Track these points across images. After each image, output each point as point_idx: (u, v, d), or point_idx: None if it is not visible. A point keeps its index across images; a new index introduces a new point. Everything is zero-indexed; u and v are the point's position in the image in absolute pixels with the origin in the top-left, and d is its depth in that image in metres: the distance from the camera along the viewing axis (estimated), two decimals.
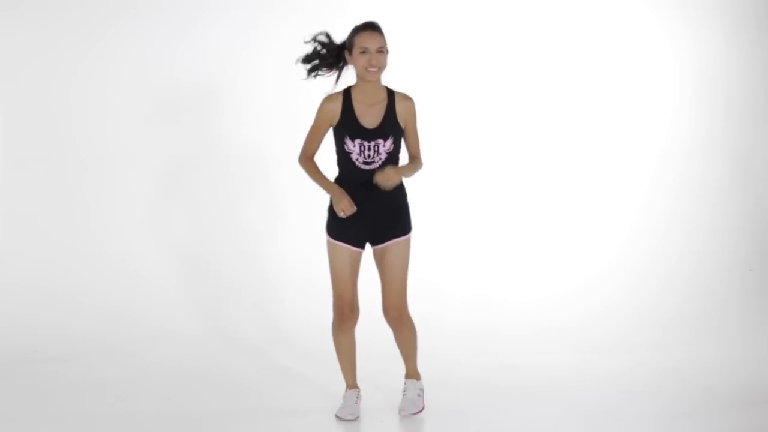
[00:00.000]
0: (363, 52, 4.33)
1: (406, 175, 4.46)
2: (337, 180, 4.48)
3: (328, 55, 4.47)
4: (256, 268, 6.33)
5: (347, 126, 4.39)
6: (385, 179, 4.31)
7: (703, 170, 6.60)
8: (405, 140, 4.52)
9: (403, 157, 4.54)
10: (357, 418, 4.54)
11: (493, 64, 6.48)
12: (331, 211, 4.48)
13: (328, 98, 4.44)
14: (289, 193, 6.28)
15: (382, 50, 4.35)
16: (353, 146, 4.39)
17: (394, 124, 4.41)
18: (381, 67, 4.37)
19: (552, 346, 5.83)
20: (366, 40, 4.33)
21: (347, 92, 4.44)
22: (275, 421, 4.56)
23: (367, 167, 4.39)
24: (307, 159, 4.51)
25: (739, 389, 5.04)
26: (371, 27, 4.37)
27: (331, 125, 4.45)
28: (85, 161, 6.40)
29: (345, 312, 4.52)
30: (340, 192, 4.39)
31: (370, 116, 4.40)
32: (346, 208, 4.36)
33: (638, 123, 6.58)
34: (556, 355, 5.67)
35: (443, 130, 6.24)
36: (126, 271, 6.27)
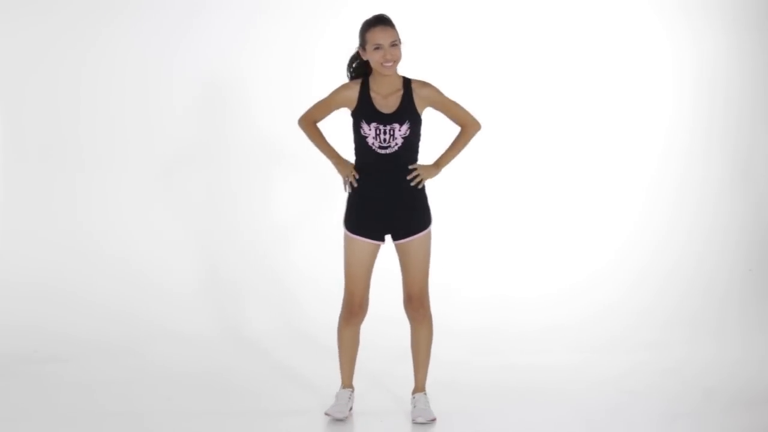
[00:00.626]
0: (377, 48, 4.34)
1: (448, 161, 4.59)
2: (361, 168, 4.50)
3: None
4: (260, 266, 6.34)
5: (363, 110, 4.43)
6: (417, 178, 4.47)
7: (704, 170, 6.57)
8: (449, 117, 4.58)
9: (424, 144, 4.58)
10: (346, 417, 4.55)
11: (492, 62, 6.48)
12: (349, 203, 4.52)
13: (346, 86, 4.50)
14: (296, 191, 6.30)
15: (396, 43, 4.35)
16: (369, 130, 4.42)
17: (411, 110, 4.43)
18: (396, 61, 4.38)
19: (553, 345, 5.83)
20: (378, 36, 4.34)
21: (365, 82, 4.47)
22: (276, 422, 4.58)
23: (383, 152, 4.41)
24: (309, 122, 4.58)
25: (739, 389, 5.04)
26: (382, 21, 4.37)
27: (343, 106, 4.50)
28: (86, 158, 6.41)
29: (354, 309, 4.55)
30: (344, 161, 4.51)
31: (386, 105, 4.43)
32: (350, 175, 4.46)
33: (638, 123, 6.56)
34: (557, 355, 5.67)
35: (446, 131, 6.23)
36: (127, 271, 6.28)
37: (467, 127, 4.59)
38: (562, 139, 6.54)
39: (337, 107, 4.53)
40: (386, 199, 4.45)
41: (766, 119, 6.61)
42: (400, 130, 4.40)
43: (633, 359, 5.54)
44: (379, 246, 4.53)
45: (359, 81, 4.48)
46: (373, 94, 4.44)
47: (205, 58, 6.35)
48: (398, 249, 4.54)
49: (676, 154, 6.57)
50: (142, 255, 6.33)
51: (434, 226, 6.09)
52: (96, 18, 6.39)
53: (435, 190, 6.12)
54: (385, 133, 4.40)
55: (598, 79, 6.53)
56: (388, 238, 4.54)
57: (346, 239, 4.52)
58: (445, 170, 6.22)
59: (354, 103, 4.46)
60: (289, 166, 6.28)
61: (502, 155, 6.49)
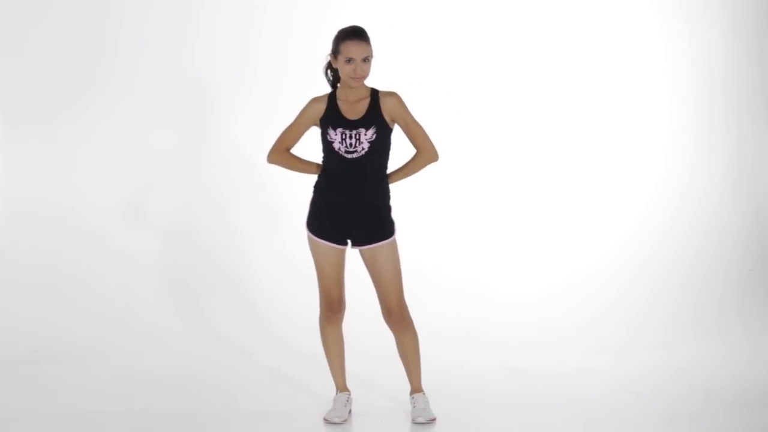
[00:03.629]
0: (349, 61, 4.37)
1: (396, 181, 4.54)
2: (322, 173, 4.53)
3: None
4: (250, 268, 6.34)
5: (330, 117, 4.45)
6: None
7: (705, 169, 6.57)
8: (407, 136, 4.56)
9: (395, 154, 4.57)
10: (345, 421, 4.56)
11: (496, 61, 6.48)
12: (313, 205, 4.54)
13: (315, 99, 4.52)
14: (282, 192, 6.26)
15: (368, 59, 4.38)
16: (335, 135, 4.43)
17: (377, 117, 4.43)
18: (365, 76, 4.41)
19: (551, 346, 5.83)
20: (352, 50, 4.35)
21: (333, 93, 4.51)
22: (276, 423, 4.59)
23: (349, 156, 4.42)
24: (281, 151, 4.57)
25: (743, 390, 5.05)
26: (358, 35, 4.38)
27: (313, 125, 4.52)
28: (85, 159, 6.40)
29: (333, 306, 4.58)
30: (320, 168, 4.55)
31: (353, 111, 4.45)
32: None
33: (640, 121, 6.55)
34: (555, 355, 5.67)
35: (441, 124, 6.23)
36: (124, 272, 6.27)
37: (425, 153, 4.54)
38: (562, 136, 6.53)
39: (309, 125, 4.54)
40: (348, 204, 4.46)
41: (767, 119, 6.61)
42: (366, 135, 4.41)
43: (634, 359, 5.55)
44: (343, 250, 4.55)
45: (327, 94, 4.52)
46: (340, 102, 4.47)
47: (205, 58, 6.37)
48: (363, 258, 4.55)
49: (676, 154, 6.56)
50: (138, 257, 6.31)
51: (431, 224, 6.18)
52: (99, 20, 6.41)
53: (433, 187, 6.19)
54: (350, 137, 4.41)
55: (595, 78, 6.52)
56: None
57: (310, 241, 4.55)
58: (443, 167, 6.26)
59: (321, 114, 4.48)
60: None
61: (503, 156, 6.50)
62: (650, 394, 5.00)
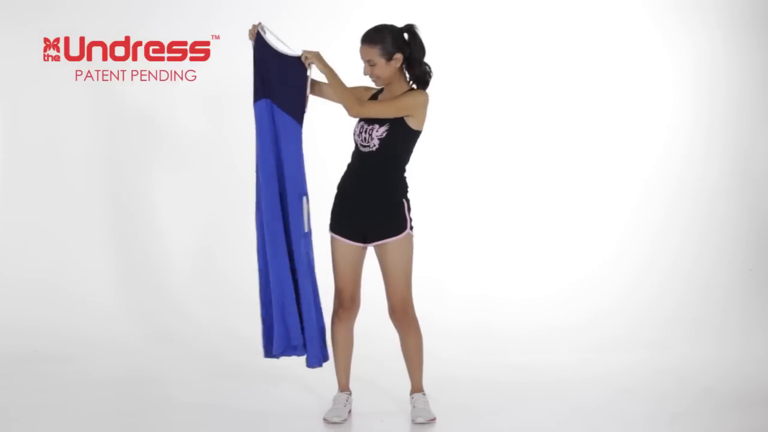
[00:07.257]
0: (364, 63, 4.51)
1: (329, 75, 4.43)
2: (348, 166, 4.60)
3: None
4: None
5: None
6: (310, 53, 4.43)
7: (704, 170, 6.55)
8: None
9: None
10: (344, 421, 4.57)
11: (494, 65, 6.47)
12: (333, 202, 4.60)
13: (367, 87, 4.64)
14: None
15: (371, 62, 4.45)
16: (357, 127, 4.54)
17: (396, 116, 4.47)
18: (378, 77, 4.48)
19: (552, 345, 5.86)
20: (360, 53, 4.49)
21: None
22: (276, 423, 4.59)
23: (364, 150, 4.50)
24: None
25: (737, 389, 5.08)
26: (363, 39, 4.48)
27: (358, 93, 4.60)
28: (87, 161, 6.40)
29: (345, 303, 4.61)
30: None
31: None
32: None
33: (638, 122, 6.54)
34: (556, 354, 5.70)
35: (444, 130, 6.24)
36: (127, 270, 6.29)
37: (358, 102, 4.43)
38: (562, 138, 6.52)
39: (364, 90, 4.65)
40: (361, 198, 4.50)
41: (767, 118, 6.59)
42: (377, 131, 4.46)
43: (633, 358, 5.59)
44: (361, 248, 4.58)
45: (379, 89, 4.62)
46: (380, 96, 4.57)
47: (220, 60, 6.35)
48: (376, 254, 4.58)
49: (676, 154, 6.54)
50: (142, 255, 6.33)
51: (431, 226, 6.15)
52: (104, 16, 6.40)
53: (434, 189, 6.19)
54: (365, 131, 4.49)
55: (596, 81, 6.50)
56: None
57: (330, 237, 4.61)
58: (443, 168, 6.23)
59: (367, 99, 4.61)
60: None
61: (506, 155, 6.49)
62: (651, 391, 5.06)
